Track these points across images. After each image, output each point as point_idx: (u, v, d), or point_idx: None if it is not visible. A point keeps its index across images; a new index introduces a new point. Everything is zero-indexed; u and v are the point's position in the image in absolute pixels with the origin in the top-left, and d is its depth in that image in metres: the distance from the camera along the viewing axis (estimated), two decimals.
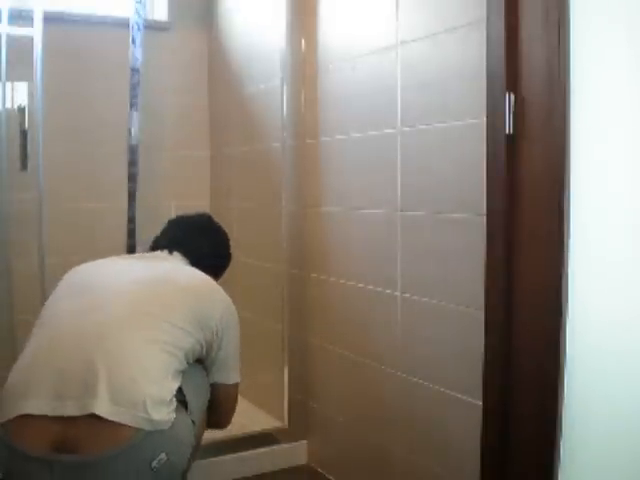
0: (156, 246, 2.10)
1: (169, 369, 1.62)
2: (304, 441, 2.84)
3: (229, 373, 1.93)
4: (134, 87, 2.90)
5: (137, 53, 2.88)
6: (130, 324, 1.64)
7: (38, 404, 1.51)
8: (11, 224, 2.80)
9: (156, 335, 1.64)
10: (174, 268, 1.95)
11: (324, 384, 2.74)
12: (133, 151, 2.92)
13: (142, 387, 1.55)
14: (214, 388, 1.92)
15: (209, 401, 1.90)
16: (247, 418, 2.94)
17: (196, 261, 2.02)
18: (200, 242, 2.10)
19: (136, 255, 2.06)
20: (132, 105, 2.89)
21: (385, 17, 2.26)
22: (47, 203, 2.51)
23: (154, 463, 1.52)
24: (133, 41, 2.87)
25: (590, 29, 1.60)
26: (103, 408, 1.49)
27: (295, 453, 2.82)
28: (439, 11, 2.04)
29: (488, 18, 1.81)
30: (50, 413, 1.49)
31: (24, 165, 2.66)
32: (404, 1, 2.18)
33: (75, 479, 1.48)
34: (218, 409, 1.96)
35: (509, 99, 1.75)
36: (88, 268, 1.93)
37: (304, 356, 2.82)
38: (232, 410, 2.06)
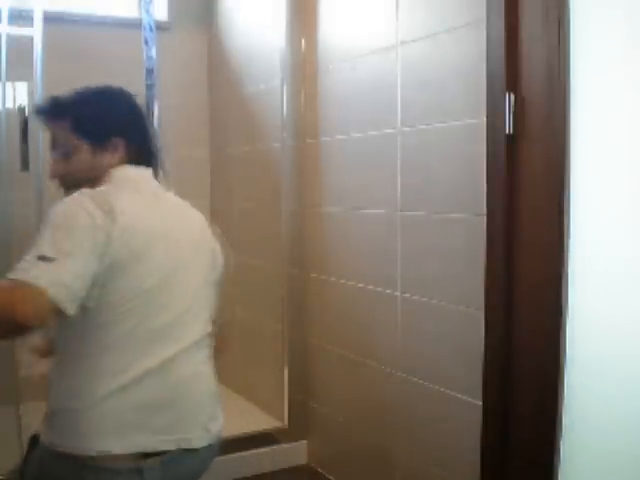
0: (141, 157, 1.55)
1: None
2: (304, 441, 2.84)
3: None
4: (150, 88, 2.90)
5: (150, 53, 2.88)
6: (198, 345, 1.51)
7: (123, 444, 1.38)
8: (11, 224, 2.80)
9: (209, 352, 1.57)
10: (191, 223, 1.57)
11: (324, 384, 2.74)
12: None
13: (217, 412, 1.54)
14: None
15: None
16: (247, 418, 2.94)
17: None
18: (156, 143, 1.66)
19: (156, 191, 1.54)
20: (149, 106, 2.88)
21: (385, 17, 2.25)
22: (47, 203, 2.51)
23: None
24: (146, 42, 2.87)
25: (590, 29, 1.59)
26: (197, 442, 1.46)
27: (295, 453, 2.82)
28: (439, 11, 2.03)
29: (488, 18, 1.81)
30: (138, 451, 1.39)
31: (24, 165, 2.65)
32: (404, 1, 2.18)
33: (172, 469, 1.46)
34: None
35: (509, 99, 1.75)
36: (157, 236, 1.41)
37: (304, 356, 2.82)
38: None
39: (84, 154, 1.46)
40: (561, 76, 1.62)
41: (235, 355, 3.30)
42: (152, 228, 1.39)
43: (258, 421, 2.90)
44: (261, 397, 3.07)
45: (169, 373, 1.41)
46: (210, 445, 1.49)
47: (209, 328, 1.53)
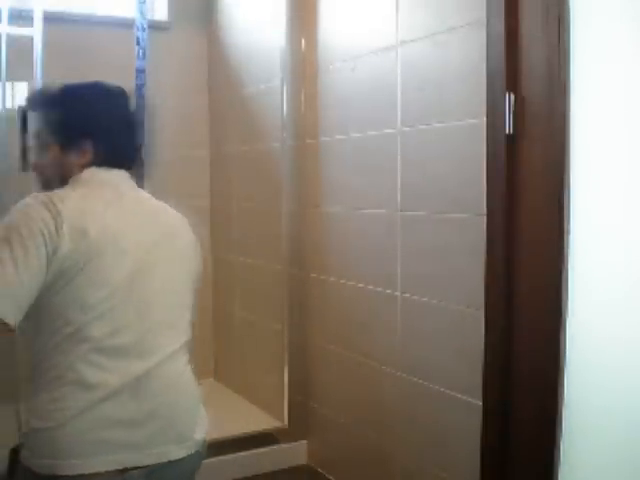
0: (117, 160, 1.48)
1: None
2: (304, 441, 2.84)
3: None
4: (139, 88, 2.90)
5: (141, 54, 2.89)
6: (178, 354, 1.44)
7: (106, 460, 1.33)
8: None
9: (188, 357, 1.51)
10: (165, 226, 1.52)
11: (324, 384, 2.74)
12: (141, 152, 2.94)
13: (201, 417, 1.49)
14: None
15: None
16: (247, 418, 2.94)
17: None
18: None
19: (133, 200, 1.47)
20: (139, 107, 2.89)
21: (385, 17, 2.25)
22: None
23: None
24: (138, 42, 2.88)
25: (590, 28, 1.59)
26: (180, 452, 1.41)
27: (295, 453, 2.82)
28: (439, 11, 2.03)
29: (488, 18, 1.81)
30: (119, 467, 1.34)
31: (24, 166, 2.65)
32: (404, 1, 2.18)
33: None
34: None
35: (509, 99, 1.75)
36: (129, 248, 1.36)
37: (304, 356, 2.82)
38: None
39: (52, 152, 1.43)
40: (561, 75, 1.62)
41: (235, 355, 3.30)
42: (112, 233, 1.33)
43: (258, 421, 2.90)
44: (261, 397, 3.06)
45: (147, 386, 1.35)
46: (196, 452, 1.44)
47: (189, 334, 1.48)
